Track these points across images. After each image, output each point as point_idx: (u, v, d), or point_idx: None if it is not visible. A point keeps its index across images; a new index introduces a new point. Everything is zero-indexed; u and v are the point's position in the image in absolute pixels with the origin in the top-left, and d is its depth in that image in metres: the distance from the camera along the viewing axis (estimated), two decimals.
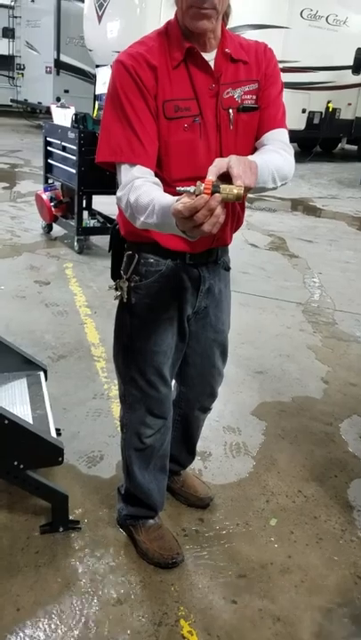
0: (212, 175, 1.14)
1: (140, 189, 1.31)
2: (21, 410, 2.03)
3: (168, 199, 1.21)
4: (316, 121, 12.49)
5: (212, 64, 1.41)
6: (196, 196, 1.07)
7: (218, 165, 1.16)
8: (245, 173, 1.17)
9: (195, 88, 1.40)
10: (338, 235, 6.71)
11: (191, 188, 1.08)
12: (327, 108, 12.63)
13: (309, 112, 12.26)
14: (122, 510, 1.96)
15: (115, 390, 2.78)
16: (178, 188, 1.10)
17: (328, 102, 12.58)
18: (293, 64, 10.64)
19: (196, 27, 1.35)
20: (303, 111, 12.06)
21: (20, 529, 1.93)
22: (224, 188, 1.09)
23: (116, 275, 1.66)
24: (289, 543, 2.00)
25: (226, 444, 2.52)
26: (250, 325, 3.77)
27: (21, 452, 1.80)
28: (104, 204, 5.25)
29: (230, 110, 1.44)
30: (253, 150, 1.50)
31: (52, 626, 1.61)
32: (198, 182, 1.08)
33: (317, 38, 11.34)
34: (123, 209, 1.39)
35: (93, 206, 5.32)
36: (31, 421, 1.96)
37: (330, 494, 2.26)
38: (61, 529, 1.92)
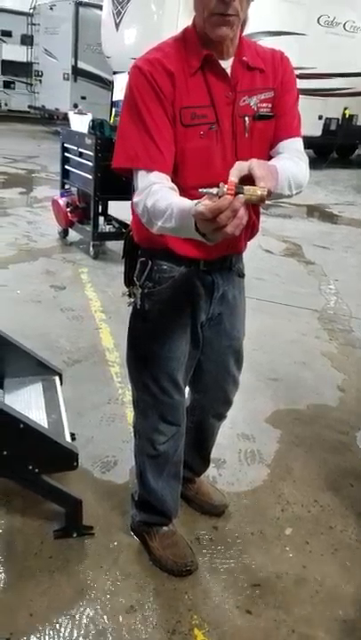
0: (234, 177, 1.12)
1: (158, 194, 1.31)
2: (37, 414, 2.03)
3: (187, 203, 1.20)
4: (332, 127, 12.43)
5: (228, 71, 1.41)
6: (219, 197, 1.06)
7: (239, 168, 1.15)
8: (267, 176, 1.16)
9: (212, 95, 1.40)
10: (354, 241, 6.66)
11: (214, 190, 1.07)
12: (344, 114, 12.58)
13: (326, 118, 12.22)
14: (135, 517, 1.95)
15: (129, 395, 2.78)
16: (200, 190, 1.08)
17: (345, 109, 12.53)
18: (310, 70, 10.60)
19: (218, 34, 1.35)
20: (320, 118, 12.02)
21: (34, 533, 1.93)
22: (248, 189, 1.08)
23: (129, 281, 1.66)
24: (304, 553, 1.98)
25: (240, 451, 2.50)
26: (264, 331, 3.75)
27: (36, 456, 1.80)
28: (120, 209, 5.27)
29: (246, 118, 1.44)
30: (268, 158, 1.49)
31: (65, 632, 1.61)
32: (221, 184, 1.07)
33: (334, 45, 11.30)
34: (140, 214, 1.39)
35: (109, 212, 5.35)
36: (46, 426, 1.96)
37: (346, 504, 2.23)
38: (75, 534, 1.92)
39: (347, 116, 12.61)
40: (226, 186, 1.06)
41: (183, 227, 1.21)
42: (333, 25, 11.44)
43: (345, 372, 3.34)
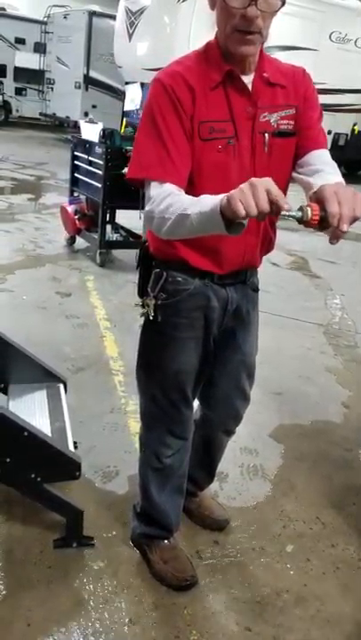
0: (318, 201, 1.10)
1: (176, 197, 1.30)
2: (41, 422, 2.02)
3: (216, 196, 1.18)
4: (341, 143, 12.49)
5: (249, 87, 1.41)
6: (303, 221, 1.08)
7: (332, 193, 1.09)
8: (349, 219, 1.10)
9: (232, 110, 1.40)
10: None
11: (297, 214, 1.08)
12: (353, 129, 12.65)
13: (335, 134, 12.28)
14: (136, 529, 1.93)
15: (132, 405, 2.77)
16: (283, 213, 1.08)
17: (354, 124, 12.61)
18: (320, 86, 10.56)
19: (240, 51, 1.35)
20: (329, 132, 12.02)
21: (34, 542, 1.92)
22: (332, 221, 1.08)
23: (142, 292, 1.64)
24: (305, 571, 1.96)
25: (243, 465, 2.48)
26: (269, 345, 3.72)
27: (39, 464, 1.79)
28: (127, 218, 5.29)
29: (266, 134, 1.43)
30: (289, 174, 1.49)
31: None
32: (304, 207, 1.08)
33: (345, 61, 11.37)
34: (153, 217, 1.33)
35: (117, 220, 5.36)
36: (50, 434, 1.95)
37: (348, 522, 2.21)
38: (75, 544, 1.91)
39: (356, 131, 12.69)
40: (310, 209, 1.08)
41: (210, 214, 1.17)
42: (345, 41, 11.51)
43: (349, 389, 3.32)
